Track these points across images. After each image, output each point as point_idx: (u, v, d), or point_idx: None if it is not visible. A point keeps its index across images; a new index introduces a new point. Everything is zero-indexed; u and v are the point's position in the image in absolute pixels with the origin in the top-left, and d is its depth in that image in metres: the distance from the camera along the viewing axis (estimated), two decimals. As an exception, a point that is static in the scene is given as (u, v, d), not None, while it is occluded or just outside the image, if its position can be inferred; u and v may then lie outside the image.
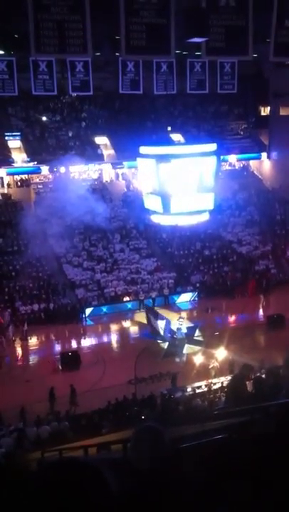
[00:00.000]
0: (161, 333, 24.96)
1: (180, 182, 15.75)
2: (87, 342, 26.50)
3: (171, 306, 29.74)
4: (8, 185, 37.08)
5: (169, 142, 35.00)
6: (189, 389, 19.65)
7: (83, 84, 17.44)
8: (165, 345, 24.37)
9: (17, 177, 37.41)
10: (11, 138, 37.50)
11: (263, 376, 10.45)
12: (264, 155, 42.96)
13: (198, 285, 31.59)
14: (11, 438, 15.43)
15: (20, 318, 27.20)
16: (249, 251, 35.11)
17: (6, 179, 37.08)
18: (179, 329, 24.74)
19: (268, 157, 42.81)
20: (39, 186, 37.40)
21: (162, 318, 25.57)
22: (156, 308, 28.52)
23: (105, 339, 27.02)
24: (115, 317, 28.98)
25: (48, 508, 1.49)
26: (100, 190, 37.68)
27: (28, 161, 36.80)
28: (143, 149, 16.75)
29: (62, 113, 40.48)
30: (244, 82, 29.66)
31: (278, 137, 40.77)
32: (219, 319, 28.26)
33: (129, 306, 29.87)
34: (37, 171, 37.15)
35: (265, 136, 43.32)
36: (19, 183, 37.41)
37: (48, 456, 10.25)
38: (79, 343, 26.44)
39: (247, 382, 8.87)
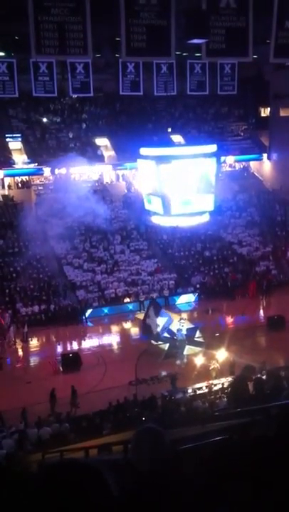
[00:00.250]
0: (155, 330, 24.77)
1: (180, 183, 15.76)
2: (88, 343, 26.48)
3: (171, 307, 29.72)
4: (9, 186, 37.11)
5: (170, 143, 35.10)
6: (190, 390, 19.64)
7: (84, 86, 17.46)
8: (166, 346, 24.36)
9: (18, 178, 37.43)
10: (11, 139, 37.54)
11: (264, 377, 10.45)
12: (264, 156, 42.98)
13: (198, 286, 31.58)
14: (11, 439, 15.41)
15: (21, 320, 27.19)
16: (249, 252, 35.11)
17: (7, 180, 37.10)
18: (179, 330, 24.72)
19: (268, 158, 42.83)
20: (40, 188, 37.41)
21: (164, 315, 25.47)
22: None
23: (106, 340, 26.99)
24: (116, 318, 28.98)
25: (49, 509, 1.49)
26: (101, 191, 37.69)
27: (29, 163, 36.82)
28: (143, 150, 16.78)
29: (62, 114, 40.52)
30: (244, 84, 29.72)
31: (278, 138, 40.80)
32: (220, 320, 28.24)
33: (130, 307, 29.87)
34: (38, 173, 37.18)
35: (265, 138, 43.36)
36: (20, 185, 37.43)
37: (49, 458, 10.25)
38: (80, 344, 26.42)
39: (248, 383, 8.89)
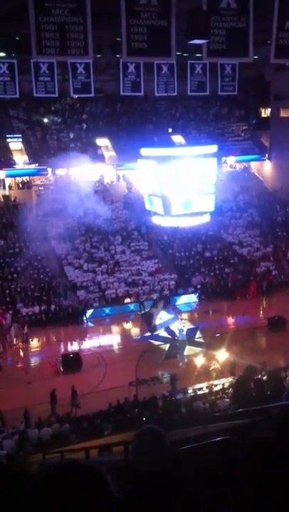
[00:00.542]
0: (154, 322, 24.81)
1: (181, 184, 15.77)
2: (89, 344, 26.48)
3: (172, 307, 29.69)
4: (10, 187, 37.11)
5: (170, 144, 35.15)
6: (190, 391, 19.64)
7: (84, 86, 17.49)
8: (166, 347, 24.38)
9: (18, 179, 37.44)
10: (12, 140, 37.53)
11: (264, 378, 10.44)
12: (265, 156, 43.00)
13: (199, 287, 31.57)
14: (12, 440, 15.42)
15: (22, 320, 27.19)
16: (250, 253, 35.10)
17: (8, 181, 37.10)
18: (180, 330, 24.74)
19: (269, 159, 42.83)
20: (40, 188, 37.42)
21: (171, 313, 25.52)
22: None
23: (106, 341, 26.99)
24: (116, 319, 28.98)
25: (49, 509, 1.49)
26: (101, 191, 37.69)
27: (30, 163, 36.83)
28: (144, 151, 16.80)
29: (63, 115, 40.51)
30: (245, 84, 29.75)
31: (279, 139, 40.78)
32: (220, 321, 28.23)
33: (132, 307, 29.87)
34: (39, 173, 37.18)
35: (265, 138, 43.36)
36: (20, 185, 37.45)
37: (50, 458, 10.24)
38: (80, 344, 26.42)
39: (251, 384, 8.89)
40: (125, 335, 28.03)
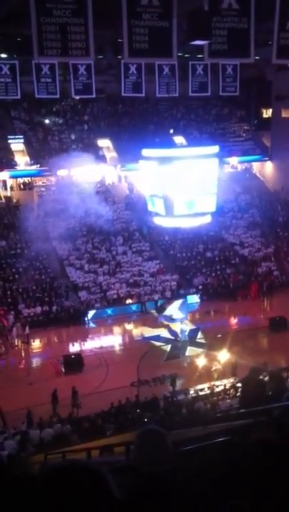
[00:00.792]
0: (166, 311, 25.00)
1: (182, 184, 15.76)
2: (90, 344, 26.49)
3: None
4: (11, 188, 37.13)
5: (172, 144, 35.09)
6: (192, 391, 19.64)
7: (86, 87, 17.51)
8: (168, 347, 24.38)
9: (20, 180, 37.46)
10: (14, 141, 37.57)
11: (266, 379, 10.43)
12: (266, 157, 42.99)
13: (200, 287, 31.56)
14: (14, 441, 15.43)
15: (23, 321, 27.20)
16: (251, 253, 35.08)
17: (9, 182, 37.12)
18: (182, 331, 24.74)
19: (270, 159, 42.82)
20: (42, 189, 37.45)
21: (183, 312, 25.68)
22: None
23: (108, 342, 26.99)
24: (118, 320, 28.98)
25: (50, 510, 1.50)
26: (103, 192, 37.70)
27: (31, 164, 36.86)
28: (145, 152, 16.78)
29: (64, 116, 40.54)
30: (246, 85, 29.77)
31: (280, 139, 40.75)
32: (222, 322, 28.22)
33: (134, 308, 29.87)
34: (43, 174, 37.18)
35: (267, 139, 43.36)
36: (22, 186, 37.47)
37: (51, 459, 10.24)
38: (82, 345, 26.43)
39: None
40: (127, 336, 28.03)
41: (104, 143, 40.08)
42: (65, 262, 32.35)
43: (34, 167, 36.83)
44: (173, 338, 24.91)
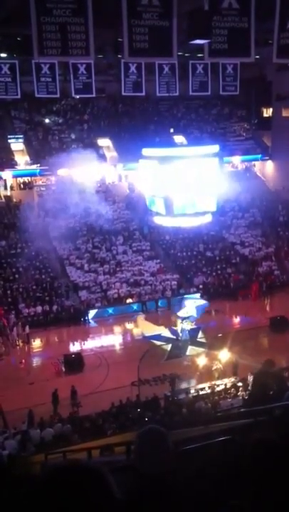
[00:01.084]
0: (184, 307, 25.15)
1: (183, 184, 15.77)
2: (91, 344, 26.50)
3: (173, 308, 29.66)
4: (11, 187, 37.13)
5: (172, 144, 35.06)
6: (193, 391, 19.64)
7: (86, 87, 17.52)
8: (168, 347, 24.38)
9: (20, 179, 37.45)
10: (14, 140, 37.57)
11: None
12: (267, 156, 42.96)
13: (201, 287, 31.54)
14: (14, 440, 15.44)
15: (23, 321, 27.21)
16: (252, 253, 35.06)
17: (9, 182, 37.12)
18: (183, 330, 24.73)
19: (271, 159, 42.81)
20: (42, 189, 37.43)
21: (198, 313, 25.72)
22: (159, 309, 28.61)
23: (108, 341, 26.99)
24: (119, 319, 28.98)
25: (51, 510, 1.49)
26: (103, 192, 37.70)
27: (31, 164, 36.85)
28: (146, 151, 16.79)
29: (65, 115, 40.53)
30: (246, 84, 29.75)
31: (281, 139, 40.72)
32: (222, 321, 28.20)
33: (134, 307, 29.86)
34: (41, 173, 37.17)
35: (267, 138, 43.33)
36: (22, 186, 37.47)
37: (52, 459, 10.24)
38: (82, 345, 26.44)
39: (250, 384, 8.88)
40: (127, 335, 28.03)
41: (104, 142, 40.07)
42: (65, 262, 32.35)
43: (34, 166, 36.81)
44: (174, 337, 24.88)
